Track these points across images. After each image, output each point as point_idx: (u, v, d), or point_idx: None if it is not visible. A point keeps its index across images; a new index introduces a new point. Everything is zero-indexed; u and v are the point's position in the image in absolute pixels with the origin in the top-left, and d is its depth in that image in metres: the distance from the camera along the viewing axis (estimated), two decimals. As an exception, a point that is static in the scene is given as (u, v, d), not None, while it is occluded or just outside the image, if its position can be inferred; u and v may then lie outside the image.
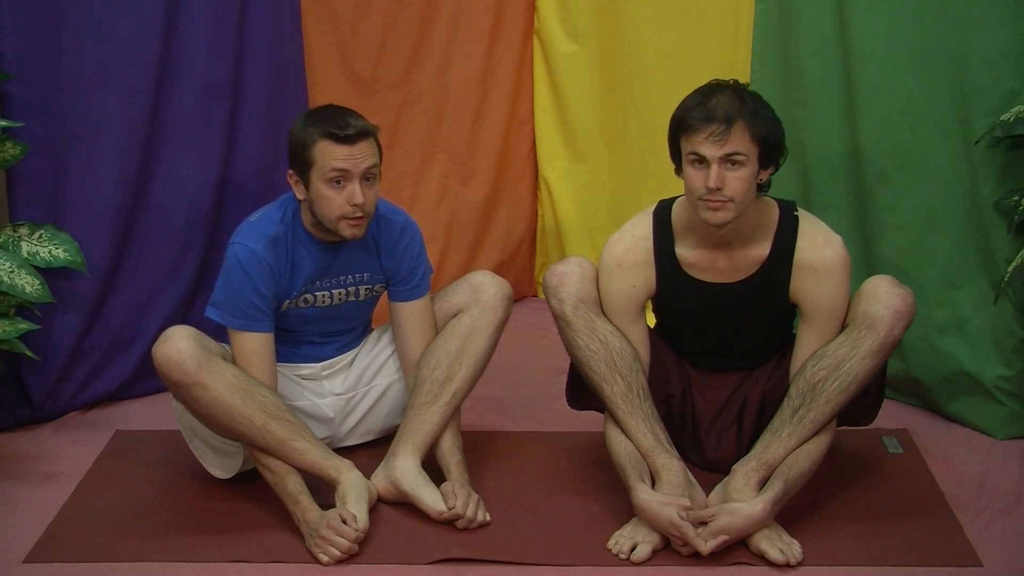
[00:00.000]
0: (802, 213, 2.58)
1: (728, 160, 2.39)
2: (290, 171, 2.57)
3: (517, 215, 3.87)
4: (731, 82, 2.47)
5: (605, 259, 2.62)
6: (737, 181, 2.40)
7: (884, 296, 2.49)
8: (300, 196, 2.57)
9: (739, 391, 2.71)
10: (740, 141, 2.38)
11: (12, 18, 2.83)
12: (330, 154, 2.49)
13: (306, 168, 2.52)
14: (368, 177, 2.52)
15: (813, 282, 2.53)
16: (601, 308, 2.61)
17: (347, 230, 2.54)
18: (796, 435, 2.50)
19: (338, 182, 2.50)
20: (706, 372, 2.73)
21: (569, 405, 2.81)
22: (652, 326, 2.74)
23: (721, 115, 2.38)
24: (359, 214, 2.52)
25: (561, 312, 2.59)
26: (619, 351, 2.56)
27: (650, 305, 2.70)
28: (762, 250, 2.55)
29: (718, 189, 2.39)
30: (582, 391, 2.71)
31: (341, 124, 2.49)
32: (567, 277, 2.60)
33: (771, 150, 2.45)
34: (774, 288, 2.57)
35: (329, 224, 2.54)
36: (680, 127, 2.44)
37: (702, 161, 2.40)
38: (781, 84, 3.15)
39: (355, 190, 2.50)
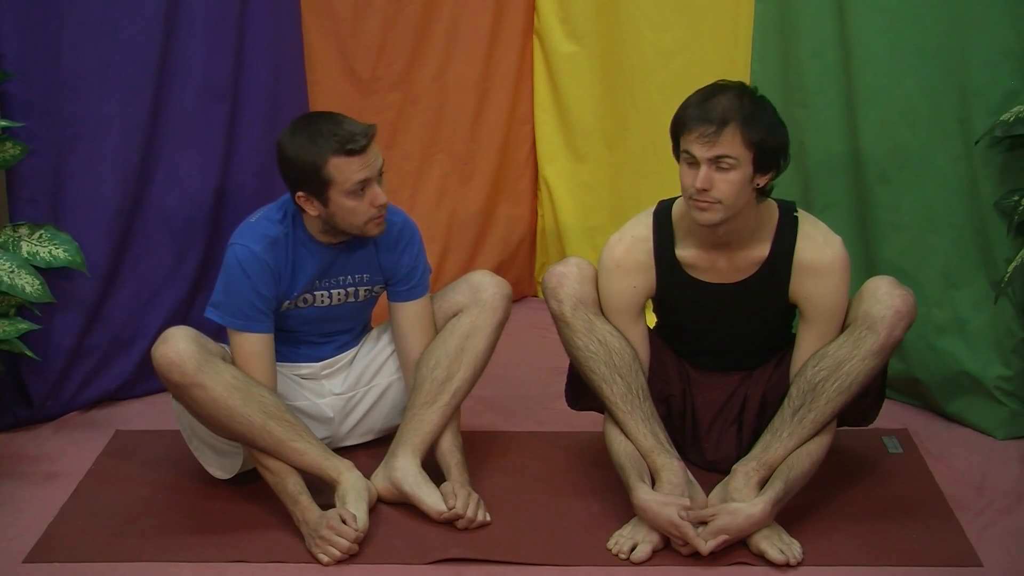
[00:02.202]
0: (802, 214, 2.58)
1: (717, 162, 2.38)
2: (300, 193, 2.54)
3: (517, 215, 3.87)
4: (736, 84, 2.45)
5: (605, 260, 2.62)
6: (726, 184, 2.39)
7: (885, 297, 2.49)
8: (314, 213, 2.55)
9: (739, 391, 2.71)
10: (730, 144, 2.37)
11: (12, 18, 2.83)
12: (347, 169, 2.48)
13: (323, 187, 2.50)
14: (381, 174, 2.54)
15: (813, 282, 2.53)
16: (600, 309, 2.61)
17: (375, 229, 2.56)
18: (796, 435, 2.50)
19: (360, 191, 2.51)
20: (706, 372, 2.73)
21: (569, 406, 2.81)
22: (652, 326, 2.74)
23: (715, 116, 2.37)
24: (381, 212, 2.54)
25: (560, 313, 2.59)
26: (618, 351, 2.56)
27: (650, 305, 2.70)
28: (762, 251, 2.55)
29: (705, 190, 2.39)
30: (582, 392, 2.71)
31: (349, 137, 2.47)
32: (566, 278, 2.60)
33: (769, 155, 2.42)
34: (774, 289, 2.57)
35: (354, 230, 2.55)
36: (677, 125, 2.44)
37: (693, 161, 2.40)
38: (781, 84, 3.15)
39: (376, 192, 2.52)
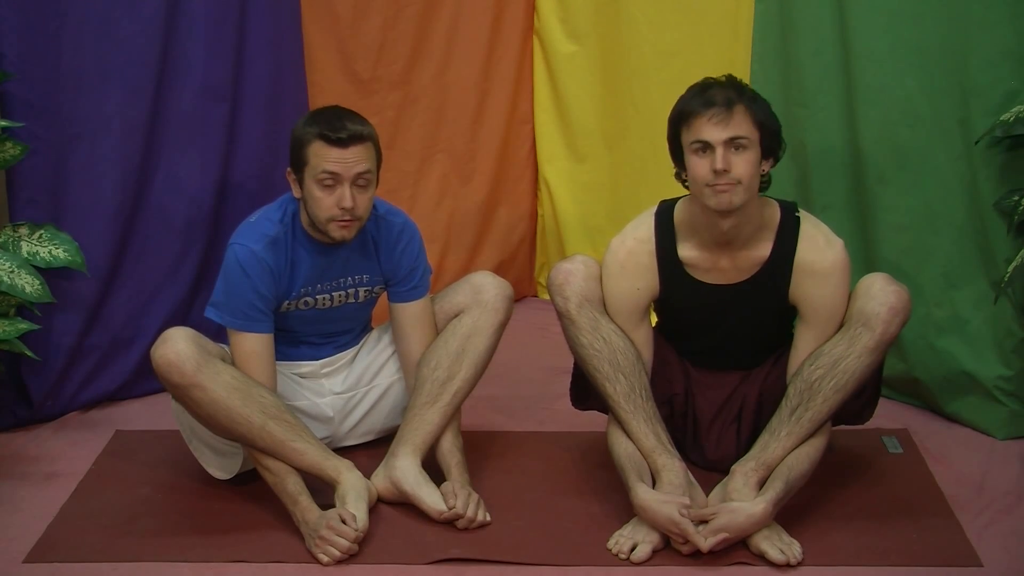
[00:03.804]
0: (804, 214, 2.58)
1: (732, 143, 2.39)
2: (288, 169, 2.58)
3: (517, 215, 3.87)
4: (724, 77, 2.48)
5: (608, 262, 2.61)
6: (743, 162, 2.40)
7: (879, 293, 2.49)
8: (296, 194, 2.59)
9: (739, 390, 2.71)
10: (742, 123, 2.40)
11: (12, 18, 2.83)
12: (322, 156, 2.49)
13: (301, 167, 2.54)
14: (360, 182, 2.52)
15: (813, 284, 2.53)
16: (605, 308, 2.61)
17: (336, 231, 2.54)
18: (794, 434, 2.50)
19: (328, 184, 2.50)
20: (706, 371, 2.73)
21: (573, 405, 2.81)
22: (654, 325, 2.74)
23: (721, 99, 2.40)
24: (348, 217, 2.52)
25: (566, 310, 2.59)
26: (622, 351, 2.56)
27: (652, 305, 2.70)
28: (763, 250, 2.55)
29: (725, 171, 2.38)
30: (586, 391, 2.71)
31: (336, 127, 2.49)
32: (572, 275, 2.60)
33: (771, 138, 2.46)
34: (774, 289, 2.57)
35: (319, 224, 2.55)
36: (680, 119, 2.45)
37: (706, 148, 2.40)
38: (781, 84, 3.15)
39: (345, 194, 2.50)
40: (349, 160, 2.50)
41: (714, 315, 2.64)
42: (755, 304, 2.60)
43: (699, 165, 2.43)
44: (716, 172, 2.39)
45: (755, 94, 2.47)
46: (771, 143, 2.47)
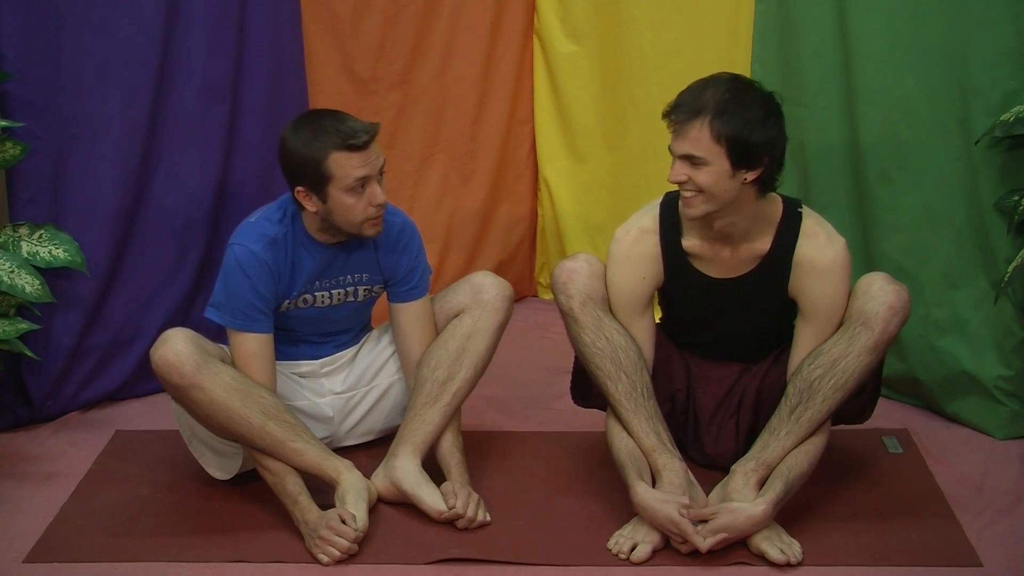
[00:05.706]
0: (807, 211, 2.57)
1: (688, 159, 2.39)
2: (299, 188, 2.54)
3: (517, 215, 3.87)
4: (730, 76, 2.46)
5: (613, 252, 2.62)
6: (702, 175, 2.39)
7: (878, 293, 2.49)
8: (313, 209, 2.55)
9: (738, 385, 2.71)
10: (696, 141, 2.37)
11: (12, 18, 2.83)
12: (348, 164, 2.49)
13: (322, 183, 2.51)
14: (381, 173, 2.53)
15: (812, 281, 2.53)
16: (608, 305, 2.61)
17: (371, 229, 2.56)
18: (794, 434, 2.50)
19: (360, 189, 2.50)
20: (707, 363, 2.73)
21: (574, 402, 2.81)
22: (657, 321, 2.74)
23: (687, 107, 2.39)
24: (379, 213, 2.53)
25: (569, 308, 2.59)
26: (624, 349, 2.56)
27: (656, 299, 2.70)
28: (764, 244, 2.55)
29: (679, 183, 2.40)
30: (587, 389, 2.71)
31: (351, 133, 2.48)
32: (576, 273, 2.60)
33: (746, 150, 2.38)
34: (774, 283, 2.57)
35: (351, 229, 2.55)
36: (663, 116, 2.46)
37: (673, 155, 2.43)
38: (781, 84, 3.14)
39: (375, 191, 2.52)
40: (372, 159, 2.51)
41: (716, 307, 2.64)
42: (756, 297, 2.60)
43: (670, 169, 2.45)
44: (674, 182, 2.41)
45: (733, 105, 2.36)
46: (747, 156, 2.38)
